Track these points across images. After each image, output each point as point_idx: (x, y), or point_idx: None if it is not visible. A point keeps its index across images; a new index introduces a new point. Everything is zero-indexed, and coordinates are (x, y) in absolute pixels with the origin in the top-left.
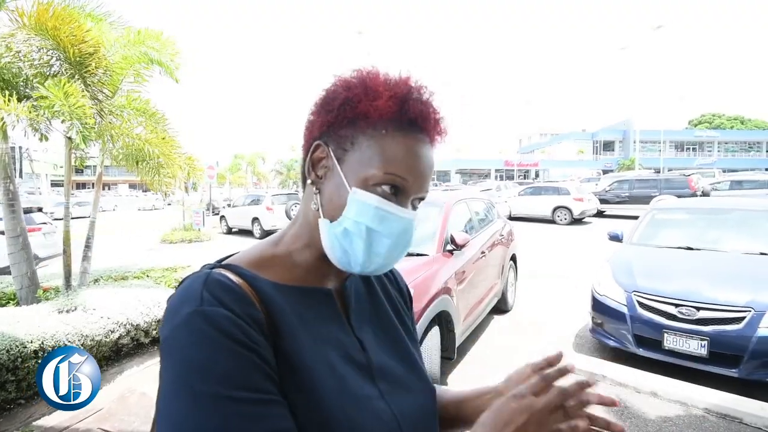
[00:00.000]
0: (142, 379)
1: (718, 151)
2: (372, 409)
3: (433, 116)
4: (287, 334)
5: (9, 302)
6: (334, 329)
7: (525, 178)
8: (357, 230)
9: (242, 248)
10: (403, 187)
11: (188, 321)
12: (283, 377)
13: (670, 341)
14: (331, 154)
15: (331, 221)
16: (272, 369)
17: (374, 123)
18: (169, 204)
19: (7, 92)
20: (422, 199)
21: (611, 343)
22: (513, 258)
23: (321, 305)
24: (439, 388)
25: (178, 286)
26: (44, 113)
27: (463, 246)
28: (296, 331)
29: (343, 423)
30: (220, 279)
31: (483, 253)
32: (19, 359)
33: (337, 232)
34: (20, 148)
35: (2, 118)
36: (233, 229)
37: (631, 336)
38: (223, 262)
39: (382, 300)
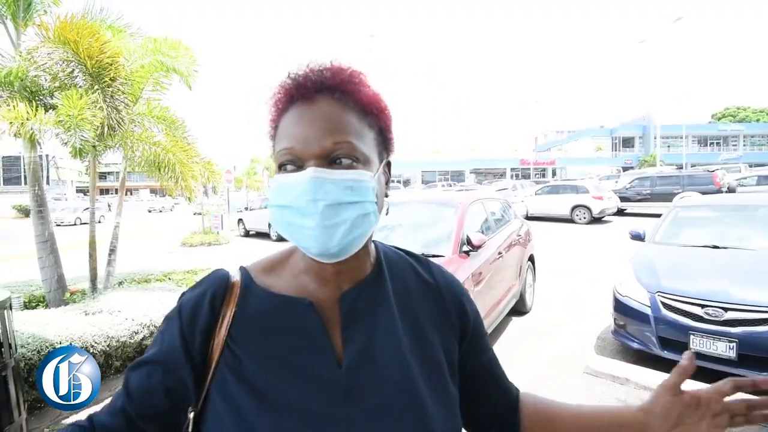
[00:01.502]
0: None
1: (744, 145)
2: (323, 429)
3: (306, 83)
4: (241, 339)
5: (38, 305)
6: (306, 341)
7: (543, 177)
8: (276, 214)
9: (258, 251)
10: (295, 156)
11: None
12: (221, 379)
13: (696, 343)
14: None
15: None
16: (176, 379)
17: (275, 120)
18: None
19: (34, 103)
20: (341, 157)
21: (635, 345)
22: (531, 258)
23: (300, 315)
24: (536, 400)
25: None
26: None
27: (479, 247)
28: (254, 337)
29: None
30: (217, 275)
31: (500, 253)
32: None
33: (275, 223)
34: (47, 156)
35: (31, 128)
36: (250, 232)
37: (656, 338)
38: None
39: (394, 319)
